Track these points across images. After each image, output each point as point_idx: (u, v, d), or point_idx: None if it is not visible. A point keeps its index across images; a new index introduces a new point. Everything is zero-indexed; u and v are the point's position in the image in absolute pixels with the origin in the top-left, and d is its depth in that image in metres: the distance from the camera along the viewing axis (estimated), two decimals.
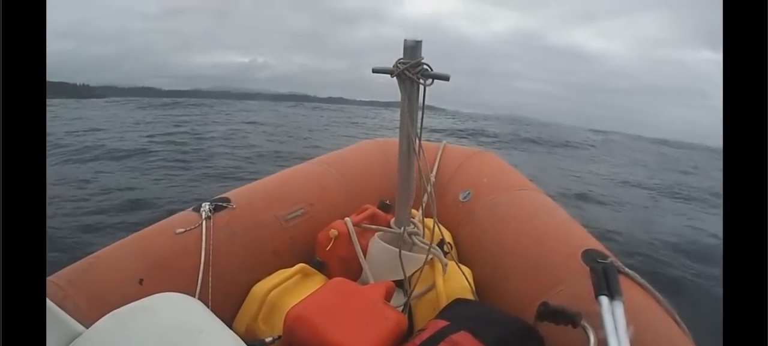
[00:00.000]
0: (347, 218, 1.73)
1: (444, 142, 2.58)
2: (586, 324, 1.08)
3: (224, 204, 1.73)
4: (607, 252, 1.46)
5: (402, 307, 1.48)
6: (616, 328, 1.04)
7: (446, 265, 1.58)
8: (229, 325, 1.36)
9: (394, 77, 1.40)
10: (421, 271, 1.53)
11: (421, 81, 1.38)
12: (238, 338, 0.98)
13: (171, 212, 1.71)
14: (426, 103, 1.42)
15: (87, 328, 0.96)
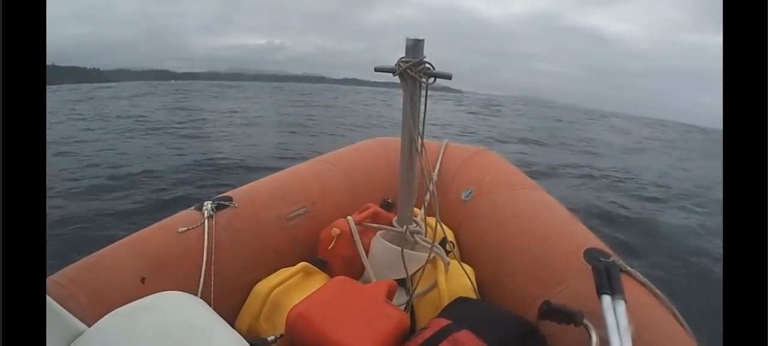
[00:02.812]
0: (349, 217, 1.73)
1: (446, 140, 2.57)
2: (588, 323, 1.08)
3: (226, 203, 1.73)
4: (608, 250, 1.45)
5: (404, 306, 1.48)
6: (617, 326, 1.04)
7: (448, 264, 1.58)
8: (231, 324, 1.37)
9: (397, 76, 1.40)
10: (424, 269, 1.53)
11: (424, 80, 1.38)
12: (241, 336, 0.98)
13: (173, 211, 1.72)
14: (427, 98, 1.42)
15: (89, 327, 0.96)
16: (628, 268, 1.32)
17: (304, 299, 1.24)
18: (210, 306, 1.08)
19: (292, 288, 1.53)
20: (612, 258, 1.35)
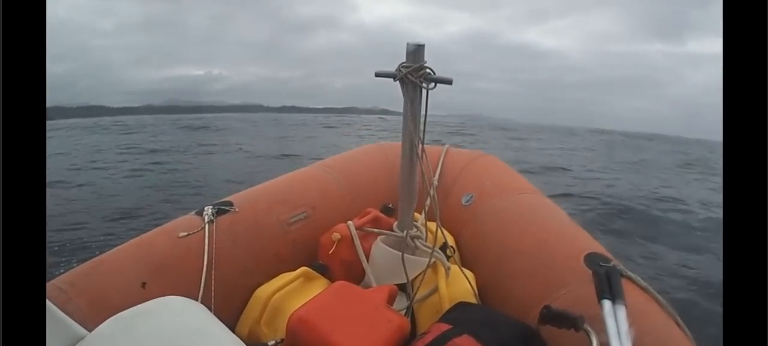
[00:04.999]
0: (350, 222, 1.73)
1: (446, 145, 2.58)
2: (588, 328, 1.08)
3: (227, 208, 1.73)
4: (609, 255, 1.45)
5: (405, 310, 1.48)
6: (618, 331, 1.04)
7: (449, 268, 1.58)
8: (232, 329, 1.37)
9: (397, 81, 1.40)
10: (424, 274, 1.53)
11: (424, 85, 1.38)
12: (241, 341, 0.98)
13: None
14: (428, 107, 1.42)
15: (89, 331, 0.96)
16: (629, 273, 1.32)
17: (304, 304, 1.24)
18: (210, 311, 1.08)
19: (292, 293, 1.53)
20: (613, 263, 1.35)
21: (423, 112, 1.43)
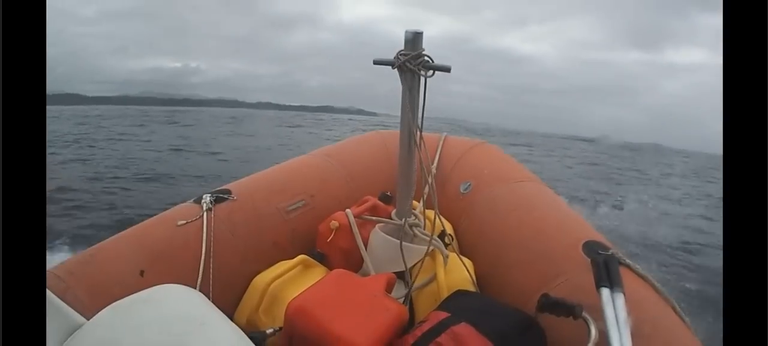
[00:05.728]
0: (348, 210, 1.73)
1: (444, 133, 2.57)
2: (586, 316, 1.09)
3: (225, 196, 1.72)
4: (608, 244, 1.45)
5: (403, 298, 1.48)
6: (616, 319, 1.04)
7: (447, 256, 1.58)
8: (230, 317, 1.37)
9: (395, 69, 1.39)
10: (422, 262, 1.53)
11: (423, 72, 1.37)
12: (239, 329, 0.98)
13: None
14: (426, 94, 1.41)
15: (88, 320, 0.96)
16: (628, 261, 1.32)
17: (302, 292, 1.24)
18: (209, 299, 1.08)
19: (290, 281, 1.53)
20: (611, 251, 1.35)
21: (421, 101, 1.42)
